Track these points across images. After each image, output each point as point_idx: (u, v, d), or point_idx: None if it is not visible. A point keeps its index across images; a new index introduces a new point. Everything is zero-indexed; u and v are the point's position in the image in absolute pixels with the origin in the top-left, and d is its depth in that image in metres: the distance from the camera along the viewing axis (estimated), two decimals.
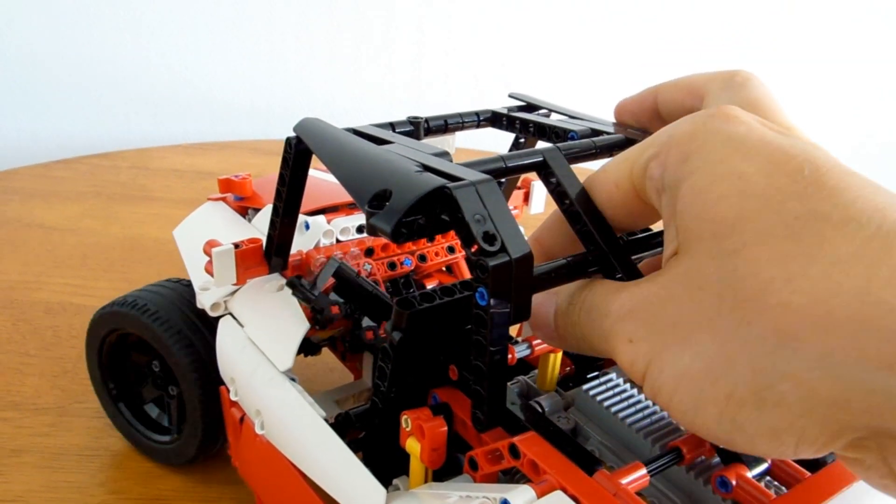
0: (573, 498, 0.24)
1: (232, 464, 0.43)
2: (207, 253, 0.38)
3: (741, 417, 0.20)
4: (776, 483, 0.29)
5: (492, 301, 0.24)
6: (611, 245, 0.27)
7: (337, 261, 0.40)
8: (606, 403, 0.32)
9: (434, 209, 0.25)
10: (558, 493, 0.24)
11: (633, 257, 0.28)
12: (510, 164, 0.30)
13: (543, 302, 0.27)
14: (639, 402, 0.32)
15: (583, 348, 0.26)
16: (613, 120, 0.36)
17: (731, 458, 0.28)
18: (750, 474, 0.28)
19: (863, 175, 0.21)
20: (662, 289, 0.22)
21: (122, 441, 0.51)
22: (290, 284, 0.39)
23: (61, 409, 0.54)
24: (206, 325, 0.44)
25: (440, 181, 0.25)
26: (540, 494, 0.24)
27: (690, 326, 0.21)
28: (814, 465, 0.29)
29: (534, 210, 0.53)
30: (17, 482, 0.47)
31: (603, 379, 0.34)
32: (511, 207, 0.53)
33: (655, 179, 0.23)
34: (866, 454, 0.20)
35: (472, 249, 0.24)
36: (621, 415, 0.31)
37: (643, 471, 0.26)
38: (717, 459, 0.29)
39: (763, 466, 0.28)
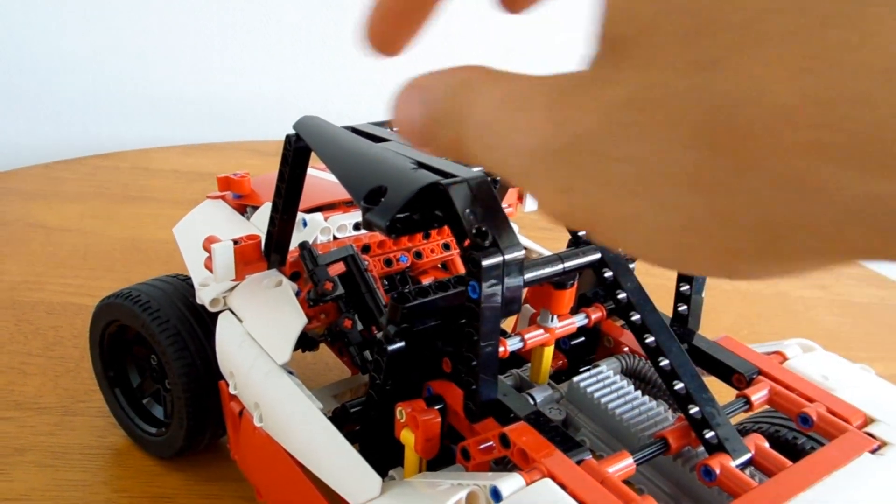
0: (561, 485, 0.25)
1: (231, 457, 0.44)
2: (207, 249, 0.38)
3: (738, 264, 0.14)
4: (759, 472, 0.30)
5: (483, 295, 0.24)
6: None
7: (353, 249, 0.41)
8: (597, 395, 0.33)
9: (428, 205, 0.26)
10: (546, 481, 0.25)
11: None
12: None
13: (408, 97, 0.19)
14: (628, 393, 0.33)
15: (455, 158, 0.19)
16: None
17: (715, 448, 0.29)
18: (733, 464, 0.28)
19: None
20: (604, 118, 0.14)
21: (125, 439, 0.51)
22: (301, 246, 0.39)
23: (64, 408, 0.54)
24: (200, 323, 0.45)
25: (434, 177, 0.25)
26: (528, 482, 0.25)
27: (657, 176, 0.14)
28: (795, 455, 0.29)
29: (528, 208, 0.54)
30: (21, 481, 0.47)
31: (594, 372, 0.35)
32: (506, 205, 0.53)
33: None
34: None
35: (465, 244, 0.24)
36: (611, 406, 0.32)
37: (630, 460, 0.27)
38: (701, 449, 0.30)
39: (746, 456, 0.29)
